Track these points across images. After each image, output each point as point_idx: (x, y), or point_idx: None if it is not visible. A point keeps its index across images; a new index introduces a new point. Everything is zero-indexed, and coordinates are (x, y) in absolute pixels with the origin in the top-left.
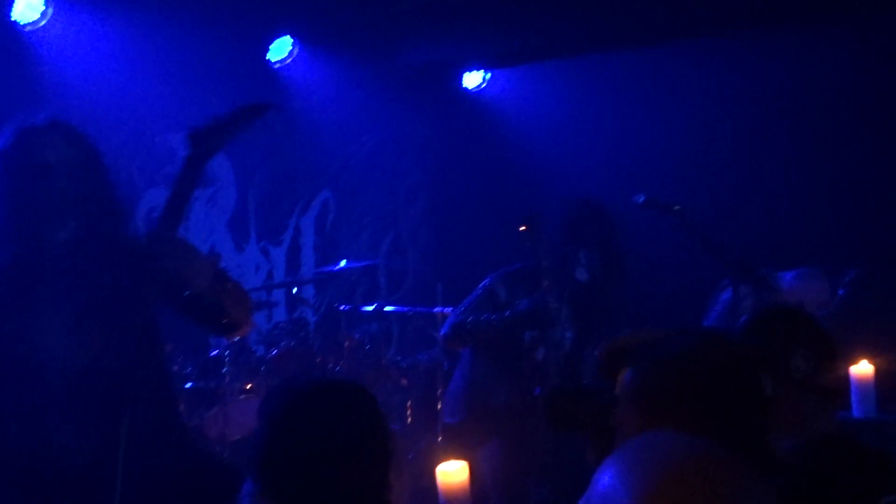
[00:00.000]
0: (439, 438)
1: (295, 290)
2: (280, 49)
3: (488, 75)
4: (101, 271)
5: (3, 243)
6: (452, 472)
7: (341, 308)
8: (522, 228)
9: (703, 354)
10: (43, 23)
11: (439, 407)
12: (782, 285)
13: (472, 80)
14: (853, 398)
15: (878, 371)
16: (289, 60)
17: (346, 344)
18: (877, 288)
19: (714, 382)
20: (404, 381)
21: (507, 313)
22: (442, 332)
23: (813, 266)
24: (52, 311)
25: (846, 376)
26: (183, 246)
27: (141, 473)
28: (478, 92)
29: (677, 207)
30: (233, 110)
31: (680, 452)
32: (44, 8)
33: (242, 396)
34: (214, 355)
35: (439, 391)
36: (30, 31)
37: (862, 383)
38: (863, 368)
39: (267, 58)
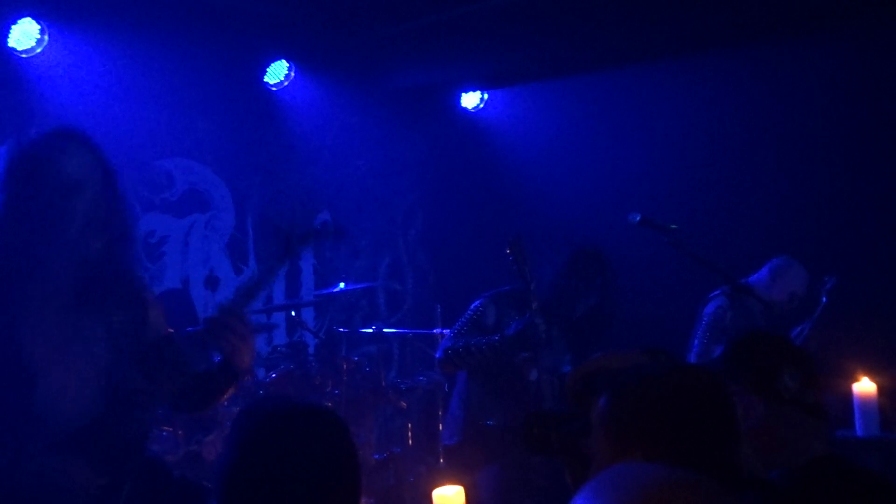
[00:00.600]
0: (441, 461)
1: (294, 312)
2: (276, 72)
3: (486, 96)
4: (115, 291)
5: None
6: (449, 497)
7: (340, 330)
8: (508, 251)
9: (675, 381)
10: (39, 50)
11: (440, 429)
12: (761, 286)
13: (470, 100)
14: (856, 417)
15: (880, 389)
16: (286, 83)
17: (345, 366)
18: (858, 294)
19: (685, 409)
20: (404, 404)
21: (497, 336)
22: (436, 356)
23: (780, 257)
24: (78, 323)
25: (832, 392)
26: (249, 327)
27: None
28: (475, 112)
29: (673, 226)
30: (322, 226)
31: (654, 481)
32: (39, 35)
33: None
34: None
35: (439, 413)
36: (26, 58)
37: (865, 401)
38: (865, 386)
39: (264, 80)
